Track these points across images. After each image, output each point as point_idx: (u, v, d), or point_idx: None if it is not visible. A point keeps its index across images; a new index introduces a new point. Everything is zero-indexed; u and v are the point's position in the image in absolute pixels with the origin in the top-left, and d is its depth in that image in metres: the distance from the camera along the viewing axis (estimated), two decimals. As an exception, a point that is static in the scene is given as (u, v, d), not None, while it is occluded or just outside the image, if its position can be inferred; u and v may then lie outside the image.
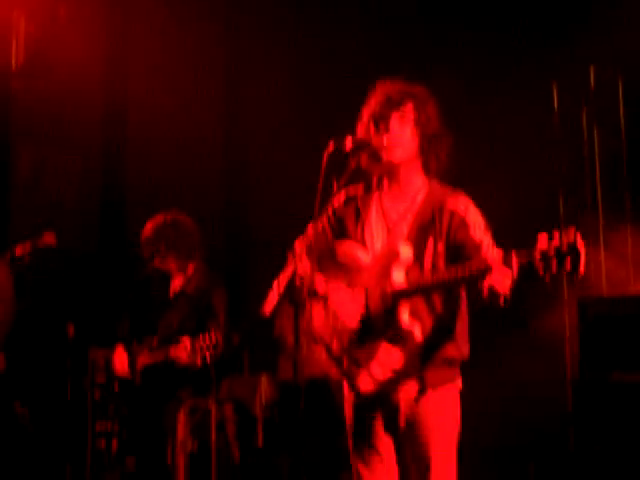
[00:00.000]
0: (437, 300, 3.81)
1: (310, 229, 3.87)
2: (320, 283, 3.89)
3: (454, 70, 7.20)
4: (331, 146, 3.81)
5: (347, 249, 3.92)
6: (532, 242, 3.29)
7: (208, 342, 5.69)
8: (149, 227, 6.27)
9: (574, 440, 6.99)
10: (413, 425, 3.83)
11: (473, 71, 7.61)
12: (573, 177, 7.86)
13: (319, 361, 3.90)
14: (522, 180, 7.23)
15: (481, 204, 3.95)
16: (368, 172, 4.01)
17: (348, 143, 3.84)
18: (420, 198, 3.94)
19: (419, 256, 3.79)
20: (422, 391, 3.82)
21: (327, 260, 3.94)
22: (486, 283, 3.47)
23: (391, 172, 3.97)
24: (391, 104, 3.90)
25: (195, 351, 5.71)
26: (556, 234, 3.25)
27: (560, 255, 3.21)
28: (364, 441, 3.95)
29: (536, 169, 7.49)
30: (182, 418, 7.50)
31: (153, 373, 6.06)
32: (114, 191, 8.85)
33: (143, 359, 6.08)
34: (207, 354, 5.68)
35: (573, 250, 3.20)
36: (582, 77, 7.87)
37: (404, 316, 3.69)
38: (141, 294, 6.40)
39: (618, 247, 7.45)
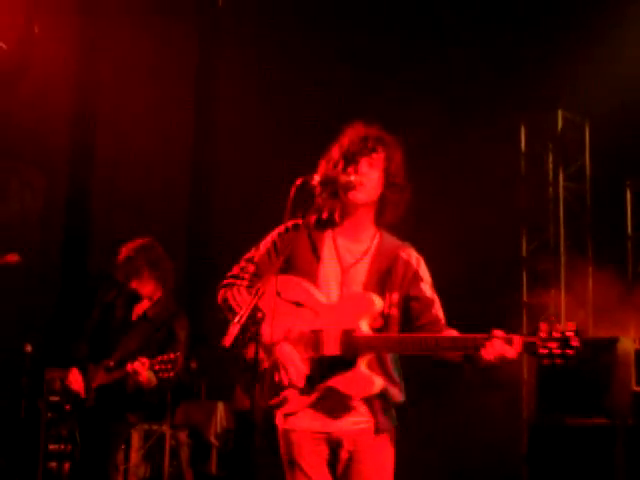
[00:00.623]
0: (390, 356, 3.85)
1: (251, 257, 3.92)
2: (266, 330, 3.88)
3: (426, 112, 7.25)
4: (299, 180, 3.82)
5: (298, 285, 3.91)
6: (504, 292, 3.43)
7: (166, 359, 5.68)
8: (130, 247, 6.28)
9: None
10: (354, 460, 3.85)
11: (440, 111, 7.67)
12: (537, 218, 7.93)
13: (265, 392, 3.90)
14: (486, 219, 7.28)
15: (442, 241, 4.00)
16: (324, 207, 4.02)
17: (316, 178, 3.86)
18: (375, 244, 3.96)
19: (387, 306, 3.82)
20: (377, 433, 3.84)
21: (267, 292, 3.90)
22: (494, 353, 3.53)
23: (348, 212, 3.99)
24: (365, 147, 3.93)
25: (152, 370, 5.70)
26: (556, 323, 3.39)
27: (564, 339, 3.36)
28: (302, 474, 3.95)
29: (501, 208, 7.55)
30: (135, 442, 7.46)
31: (107, 394, 6.02)
32: (78, 209, 8.80)
33: (99, 379, 6.04)
34: (164, 373, 5.67)
35: (577, 335, 3.36)
36: (549, 120, 7.97)
37: (362, 366, 3.72)
38: (102, 317, 6.38)
39: (579, 291, 7.52)
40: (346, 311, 3.78)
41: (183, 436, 8.60)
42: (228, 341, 3.54)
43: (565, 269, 7.75)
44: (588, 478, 6.50)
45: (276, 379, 3.85)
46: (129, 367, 5.76)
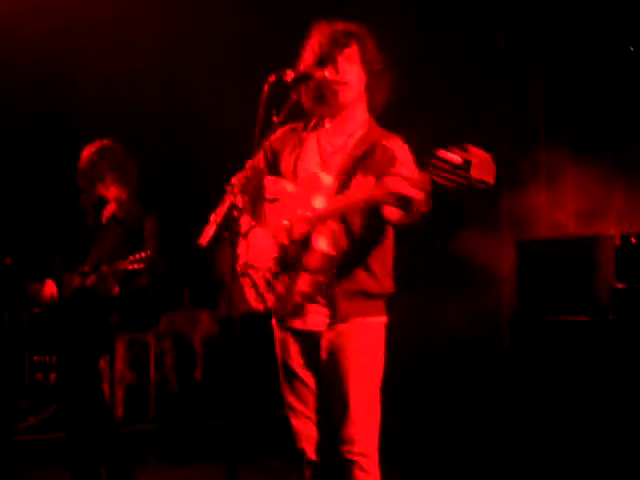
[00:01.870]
0: (356, 230, 3.81)
1: (248, 163, 3.84)
2: (244, 221, 3.89)
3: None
4: (272, 77, 3.76)
5: (274, 183, 3.91)
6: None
7: (138, 258, 5.69)
8: (90, 150, 6.20)
9: (509, 378, 7.10)
10: (332, 359, 3.85)
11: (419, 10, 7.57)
12: (517, 118, 7.88)
13: (247, 296, 3.90)
14: (465, 119, 7.24)
15: (422, 142, 3.96)
16: (310, 110, 3.99)
17: (289, 73, 3.81)
18: (358, 134, 3.93)
19: (344, 187, 3.78)
20: (333, 321, 3.82)
21: (258, 195, 3.93)
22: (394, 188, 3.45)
23: (335, 112, 3.95)
24: (337, 44, 3.87)
25: (126, 270, 5.72)
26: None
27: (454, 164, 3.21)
28: (292, 374, 3.96)
29: (480, 107, 7.51)
30: (120, 351, 7.51)
31: (84, 298, 6.02)
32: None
33: (74, 284, 6.03)
34: (138, 270, 5.69)
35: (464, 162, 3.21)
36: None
37: (319, 242, 3.70)
38: (73, 225, 6.35)
39: (559, 189, 7.51)
40: (303, 194, 3.79)
41: (167, 344, 8.67)
42: (204, 240, 3.54)
43: (545, 169, 7.73)
44: (570, 373, 6.57)
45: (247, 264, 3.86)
46: (105, 269, 5.76)
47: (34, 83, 8.36)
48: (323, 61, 3.87)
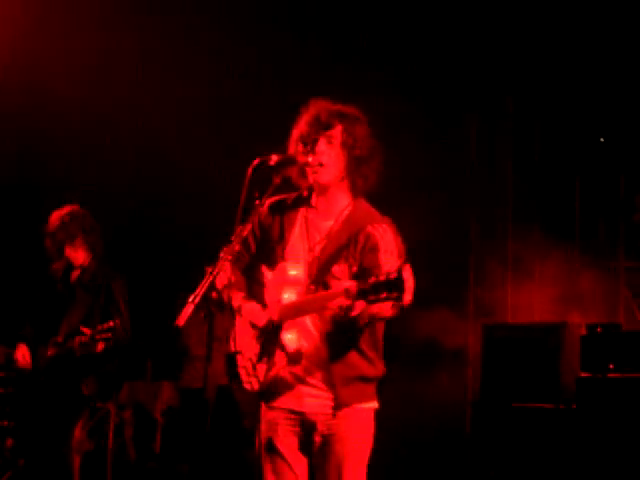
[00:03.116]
0: (344, 322, 3.83)
1: (236, 239, 3.85)
2: (236, 298, 3.92)
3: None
4: (257, 160, 3.80)
5: (259, 266, 3.96)
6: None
7: (105, 328, 5.70)
8: (61, 213, 6.25)
9: (471, 462, 7.09)
10: (328, 441, 3.85)
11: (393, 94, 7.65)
12: (487, 204, 7.95)
13: (240, 376, 3.92)
14: (437, 206, 7.30)
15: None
16: (297, 186, 4.03)
17: (274, 158, 3.85)
18: (342, 218, 3.95)
19: (322, 276, 3.80)
20: (334, 407, 3.83)
21: (248, 272, 3.97)
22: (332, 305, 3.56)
23: (319, 191, 3.98)
24: (319, 126, 3.91)
25: (93, 340, 5.74)
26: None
27: (387, 286, 3.34)
28: (276, 454, 3.95)
29: (451, 196, 7.58)
30: (81, 418, 7.41)
31: (57, 366, 6.01)
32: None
33: (49, 352, 6.04)
34: (105, 342, 5.71)
35: (397, 283, 3.32)
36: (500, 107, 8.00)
37: (286, 336, 3.74)
38: (41, 296, 6.38)
39: (524, 277, 7.57)
40: (276, 285, 3.83)
41: (127, 414, 8.57)
42: (182, 321, 3.55)
43: (512, 257, 7.78)
44: (532, 460, 6.58)
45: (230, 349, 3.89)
46: (76, 343, 5.78)
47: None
48: (305, 142, 3.92)
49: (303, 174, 3.95)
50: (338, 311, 3.55)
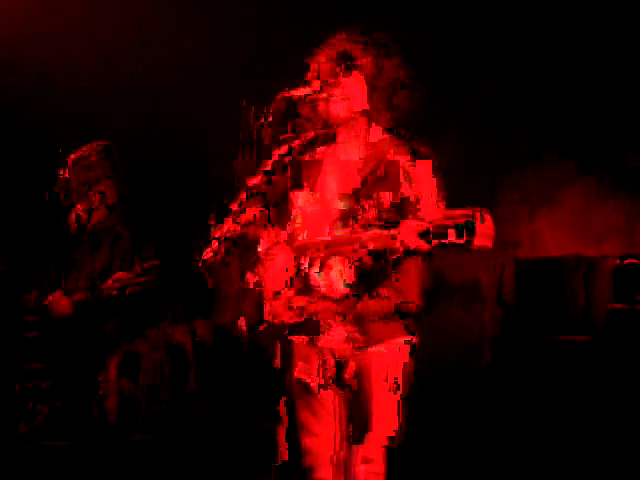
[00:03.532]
0: (380, 256, 3.81)
1: (261, 177, 3.87)
2: (263, 242, 3.93)
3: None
4: (280, 95, 3.79)
5: (297, 199, 3.95)
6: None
7: (146, 267, 5.74)
8: (99, 146, 6.16)
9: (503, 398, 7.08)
10: (358, 379, 3.88)
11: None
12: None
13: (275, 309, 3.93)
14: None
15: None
16: (320, 123, 4.01)
17: (301, 91, 3.83)
18: (374, 150, 3.94)
19: (361, 209, 3.79)
20: (364, 344, 3.85)
21: (280, 209, 3.98)
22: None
23: (347, 124, 3.96)
24: (344, 58, 3.89)
25: (131, 279, 5.76)
26: (458, 210, 3.31)
27: (455, 230, 3.29)
28: (308, 392, 3.98)
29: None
30: (115, 359, 7.49)
31: (87, 308, 6.04)
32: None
33: (76, 296, 6.05)
34: (145, 281, 5.74)
35: (466, 228, 3.27)
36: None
37: (334, 271, 3.72)
38: (66, 236, 6.35)
39: (544, 210, 7.49)
40: (320, 219, 3.83)
41: (161, 353, 8.64)
42: (206, 257, 3.58)
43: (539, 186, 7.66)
44: (564, 394, 6.57)
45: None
46: (109, 282, 5.79)
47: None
48: (328, 72, 3.89)
49: (323, 109, 3.93)
50: (401, 248, 3.47)
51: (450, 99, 7.37)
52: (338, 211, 3.77)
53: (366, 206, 3.76)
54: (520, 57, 7.44)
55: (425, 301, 3.98)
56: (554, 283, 6.83)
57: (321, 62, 3.91)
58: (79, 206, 6.24)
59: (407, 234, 3.37)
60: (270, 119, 3.74)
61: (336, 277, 3.69)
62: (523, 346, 6.82)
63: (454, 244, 3.27)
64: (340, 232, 3.73)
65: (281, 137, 3.85)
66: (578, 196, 7.26)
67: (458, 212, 3.26)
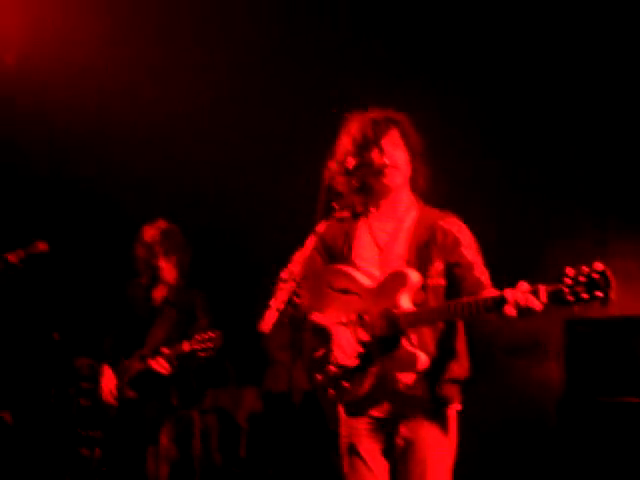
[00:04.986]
0: (440, 323, 3.81)
1: (298, 257, 3.89)
2: (318, 315, 3.93)
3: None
4: (333, 163, 3.82)
5: (342, 272, 3.93)
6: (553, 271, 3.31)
7: (207, 338, 5.76)
8: (162, 226, 6.31)
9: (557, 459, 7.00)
10: (411, 445, 3.84)
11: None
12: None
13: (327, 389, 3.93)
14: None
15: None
16: (356, 202, 4.03)
17: (350, 161, 3.86)
18: (412, 217, 3.96)
19: (425, 278, 3.80)
20: (423, 411, 3.83)
21: (319, 287, 3.95)
22: (510, 311, 3.42)
23: (381, 197, 3.99)
24: (380, 129, 3.94)
25: (192, 349, 5.79)
26: (583, 266, 3.23)
27: (590, 282, 3.19)
28: (356, 454, 3.96)
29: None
30: (167, 426, 7.51)
31: (145, 380, 6.10)
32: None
33: (134, 367, 6.12)
34: (204, 352, 5.75)
35: (603, 276, 3.18)
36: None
37: (406, 342, 3.68)
38: (125, 312, 6.45)
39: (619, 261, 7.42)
40: (386, 290, 3.79)
41: (212, 420, 8.63)
42: (267, 326, 3.57)
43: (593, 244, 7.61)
44: (618, 455, 6.48)
45: (331, 361, 3.86)
46: (151, 363, 5.83)
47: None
48: (365, 146, 3.92)
49: (363, 182, 3.96)
50: (512, 315, 3.42)
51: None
52: (408, 282, 3.72)
53: (427, 274, 3.76)
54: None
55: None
56: (607, 344, 6.77)
57: (355, 134, 3.96)
58: (142, 280, 6.40)
59: (517, 296, 3.34)
60: (323, 188, 3.77)
61: (413, 349, 3.65)
62: (583, 407, 6.75)
63: (591, 300, 3.19)
64: (408, 302, 3.68)
65: (333, 206, 3.86)
66: (630, 258, 7.21)
67: (584, 269, 3.21)
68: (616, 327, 6.81)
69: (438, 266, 3.81)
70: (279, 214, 7.82)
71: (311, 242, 3.93)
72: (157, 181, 8.37)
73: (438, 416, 3.85)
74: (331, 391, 3.87)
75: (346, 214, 4.07)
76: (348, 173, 3.85)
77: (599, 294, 3.20)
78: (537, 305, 3.36)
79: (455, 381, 3.89)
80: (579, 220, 7.49)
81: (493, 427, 7.30)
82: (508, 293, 3.38)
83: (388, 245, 3.93)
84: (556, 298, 3.31)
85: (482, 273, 3.81)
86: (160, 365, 5.85)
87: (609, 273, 3.19)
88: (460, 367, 3.89)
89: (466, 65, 7.45)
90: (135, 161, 8.34)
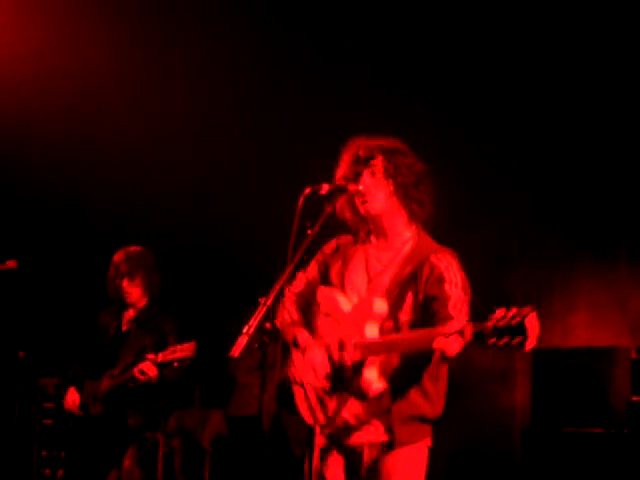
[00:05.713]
0: (411, 358, 3.80)
1: (300, 277, 3.95)
2: (302, 335, 3.95)
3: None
4: (307, 190, 3.83)
5: (328, 295, 3.95)
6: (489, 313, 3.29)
7: (180, 348, 5.80)
8: (130, 248, 6.37)
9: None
10: (375, 477, 3.84)
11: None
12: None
13: (299, 408, 3.93)
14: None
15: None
16: (353, 225, 4.06)
17: (325, 187, 3.88)
18: (405, 250, 3.95)
19: (395, 310, 3.79)
20: (390, 446, 3.82)
21: (314, 306, 4.00)
22: (437, 346, 3.42)
23: (375, 223, 4.00)
24: (359, 161, 3.96)
25: (164, 361, 5.82)
26: (512, 310, 3.22)
27: (509, 331, 3.18)
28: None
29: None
30: (130, 449, 7.46)
31: (114, 397, 6.10)
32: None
33: (104, 385, 6.12)
34: (181, 360, 5.80)
35: (521, 329, 3.17)
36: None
37: (368, 372, 3.69)
38: (94, 338, 6.47)
39: (570, 301, 7.49)
40: (356, 318, 3.80)
41: (176, 442, 8.58)
42: (237, 351, 3.56)
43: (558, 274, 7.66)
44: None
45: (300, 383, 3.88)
46: (135, 370, 5.87)
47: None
48: (348, 178, 3.95)
49: (352, 205, 3.98)
50: (443, 350, 3.41)
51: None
52: (372, 312, 3.73)
53: (403, 307, 3.76)
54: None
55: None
56: (572, 374, 6.80)
57: (342, 167, 3.99)
58: (113, 308, 6.46)
59: (449, 339, 3.33)
60: (297, 212, 3.77)
61: (372, 378, 3.65)
62: (546, 437, 6.77)
63: (508, 345, 3.19)
64: (375, 332, 3.69)
65: (308, 231, 3.86)
66: (599, 290, 7.27)
67: (510, 312, 3.19)
68: (583, 357, 6.85)
69: (413, 300, 3.81)
70: (255, 241, 7.85)
71: (316, 261, 4.02)
72: (132, 204, 8.38)
73: (405, 451, 3.84)
74: (304, 411, 3.88)
75: (349, 239, 4.10)
76: (323, 198, 3.86)
77: (516, 340, 3.17)
78: (458, 344, 3.35)
79: (422, 419, 3.87)
80: (548, 251, 7.55)
81: (458, 457, 7.30)
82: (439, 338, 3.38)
83: (378, 275, 3.94)
84: (479, 338, 3.29)
85: (458, 310, 3.75)
86: (148, 368, 5.87)
87: (528, 321, 3.16)
88: (431, 407, 3.88)
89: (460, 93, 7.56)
90: (111, 182, 8.35)
